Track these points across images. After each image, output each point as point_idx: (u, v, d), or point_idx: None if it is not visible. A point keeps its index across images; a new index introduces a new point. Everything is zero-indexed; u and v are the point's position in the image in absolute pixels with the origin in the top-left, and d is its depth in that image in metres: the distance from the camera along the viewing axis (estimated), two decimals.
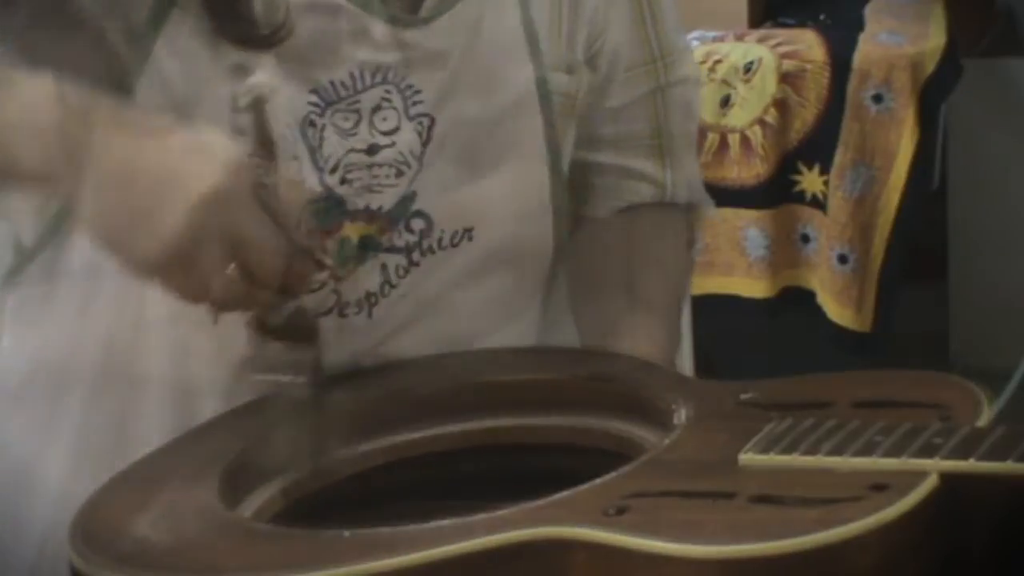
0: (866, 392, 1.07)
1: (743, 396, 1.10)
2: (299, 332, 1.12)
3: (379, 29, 1.20)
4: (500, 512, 0.98)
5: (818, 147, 3.05)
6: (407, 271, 1.25)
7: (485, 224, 1.26)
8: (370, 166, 1.21)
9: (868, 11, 3.19)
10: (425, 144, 1.23)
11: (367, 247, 1.23)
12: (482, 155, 1.26)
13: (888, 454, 0.95)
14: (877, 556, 0.89)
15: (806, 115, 3.05)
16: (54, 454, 1.23)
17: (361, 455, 1.18)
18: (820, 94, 3.04)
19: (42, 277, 1.22)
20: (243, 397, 1.17)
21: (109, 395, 1.22)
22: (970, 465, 0.93)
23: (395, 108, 1.22)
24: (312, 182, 1.20)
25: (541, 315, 1.33)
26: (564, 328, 1.35)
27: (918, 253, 3.16)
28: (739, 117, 3.04)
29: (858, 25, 3.12)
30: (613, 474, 1.01)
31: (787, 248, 3.10)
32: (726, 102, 3.06)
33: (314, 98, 1.19)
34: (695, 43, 3.12)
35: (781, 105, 3.04)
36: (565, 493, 0.99)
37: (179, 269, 1.05)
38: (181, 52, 1.16)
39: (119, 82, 1.15)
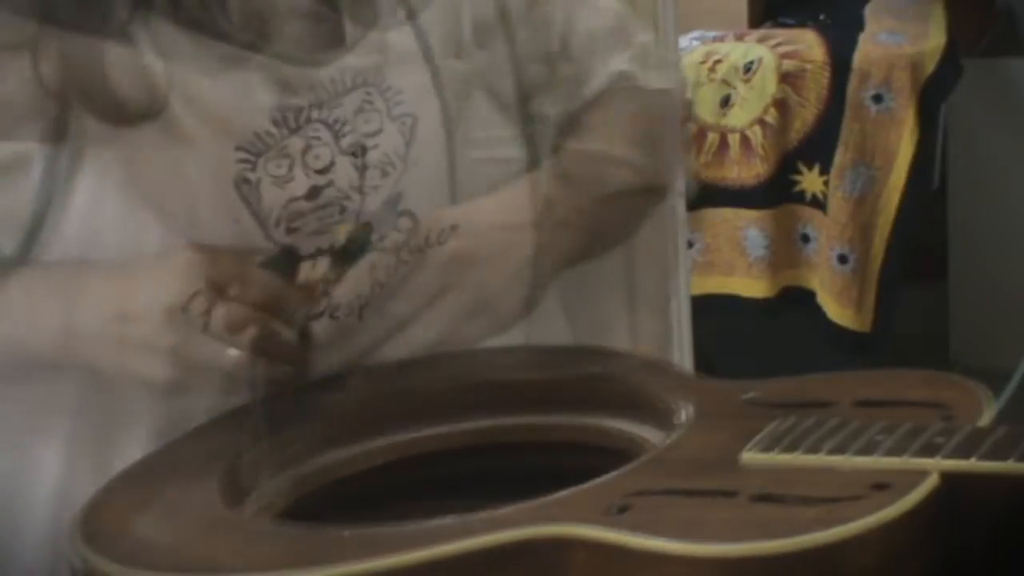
0: (868, 391, 1.07)
1: (746, 395, 1.10)
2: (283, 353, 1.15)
3: (289, 72, 1.20)
4: (501, 511, 0.98)
5: (818, 147, 3.05)
6: (396, 271, 1.25)
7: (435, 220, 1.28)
8: (314, 210, 1.21)
9: (868, 11, 3.19)
10: (362, 174, 1.23)
11: (329, 287, 1.23)
12: (418, 165, 1.27)
13: (889, 453, 0.95)
14: (878, 555, 0.89)
15: (806, 115, 3.05)
16: (45, 454, 1.23)
17: (362, 454, 1.18)
18: (820, 94, 3.04)
19: None
20: (234, 393, 1.18)
21: (98, 395, 1.22)
22: (971, 465, 0.93)
23: (326, 144, 1.22)
24: (257, 239, 1.20)
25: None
26: (551, 323, 1.35)
27: (918, 253, 3.16)
28: (739, 117, 3.05)
29: (858, 25, 3.13)
30: (614, 473, 1.01)
31: (787, 248, 3.10)
32: (726, 102, 3.06)
33: (242, 153, 1.19)
34: (695, 43, 3.13)
35: (781, 105, 3.05)
36: (566, 492, 0.99)
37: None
38: (163, 47, 1.18)
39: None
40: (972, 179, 3.45)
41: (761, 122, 3.05)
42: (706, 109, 3.04)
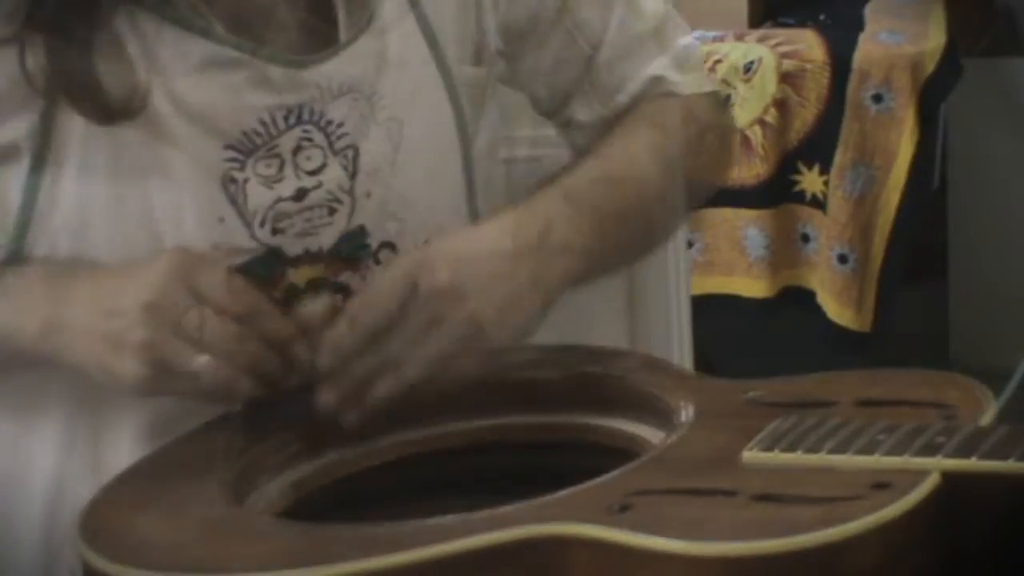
0: (870, 391, 1.07)
1: (746, 395, 1.10)
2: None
3: (275, 73, 1.19)
4: (503, 509, 0.98)
5: (818, 147, 3.05)
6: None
7: (435, 231, 1.27)
8: (301, 211, 1.21)
9: (868, 11, 3.19)
10: (353, 176, 1.23)
11: (316, 290, 1.23)
12: (415, 164, 1.26)
13: (890, 453, 0.95)
14: (879, 555, 0.90)
15: (806, 115, 3.05)
16: (38, 454, 1.23)
17: (366, 452, 1.18)
18: (820, 94, 3.04)
19: None
20: (209, 401, 1.17)
21: (89, 394, 1.22)
22: (972, 464, 0.93)
23: (319, 146, 1.22)
24: (242, 239, 1.20)
25: None
26: (551, 322, 1.35)
27: (918, 253, 3.16)
28: (739, 117, 3.05)
29: (858, 25, 3.13)
30: (615, 472, 1.02)
31: (787, 248, 3.10)
32: (726, 102, 3.06)
33: (231, 152, 1.19)
34: (695, 43, 3.12)
35: (781, 105, 3.05)
36: (567, 491, 0.99)
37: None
38: (148, 45, 1.18)
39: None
40: (972, 179, 3.45)
41: (761, 122, 3.06)
42: None
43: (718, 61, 3.08)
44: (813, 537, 0.89)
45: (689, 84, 1.37)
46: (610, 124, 1.35)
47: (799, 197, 3.08)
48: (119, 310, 1.13)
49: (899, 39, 3.07)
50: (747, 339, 3.13)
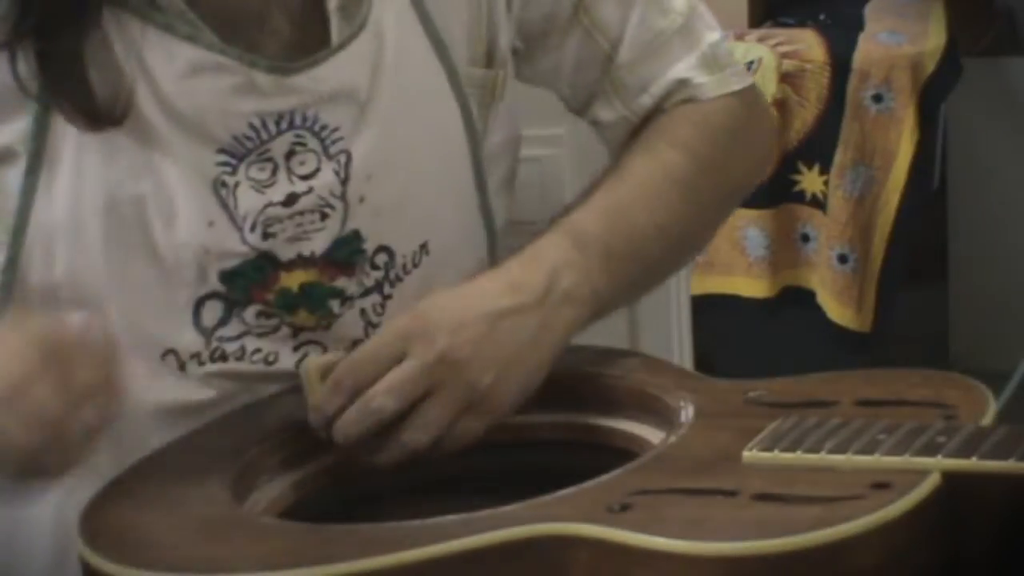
0: (869, 391, 1.07)
1: (747, 395, 1.10)
2: None
3: (262, 79, 1.19)
4: (504, 508, 0.98)
5: (818, 147, 3.05)
6: (383, 307, 1.25)
7: (434, 232, 1.27)
8: (292, 216, 1.21)
9: (868, 11, 3.19)
10: (345, 182, 1.22)
11: (311, 294, 1.23)
12: (413, 166, 1.25)
13: (891, 452, 0.95)
14: (879, 554, 0.90)
15: (806, 115, 3.05)
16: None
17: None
18: (820, 94, 3.04)
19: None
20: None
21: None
22: (972, 464, 0.93)
23: (313, 150, 1.21)
24: (232, 243, 1.20)
25: None
26: None
27: (918, 253, 3.16)
28: None
29: (858, 25, 3.13)
30: (617, 471, 1.02)
31: (787, 248, 3.10)
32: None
33: (223, 157, 1.19)
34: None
35: (781, 105, 3.05)
36: (568, 491, 1.00)
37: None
38: (135, 51, 1.18)
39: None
40: (972, 179, 3.45)
41: None
42: None
43: None
44: (813, 537, 0.89)
45: (715, 85, 1.33)
46: (635, 126, 1.33)
47: (799, 197, 3.08)
48: None
49: (899, 39, 3.07)
50: (747, 339, 3.13)
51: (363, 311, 1.24)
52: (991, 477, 0.92)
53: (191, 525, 1.04)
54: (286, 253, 1.21)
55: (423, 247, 1.26)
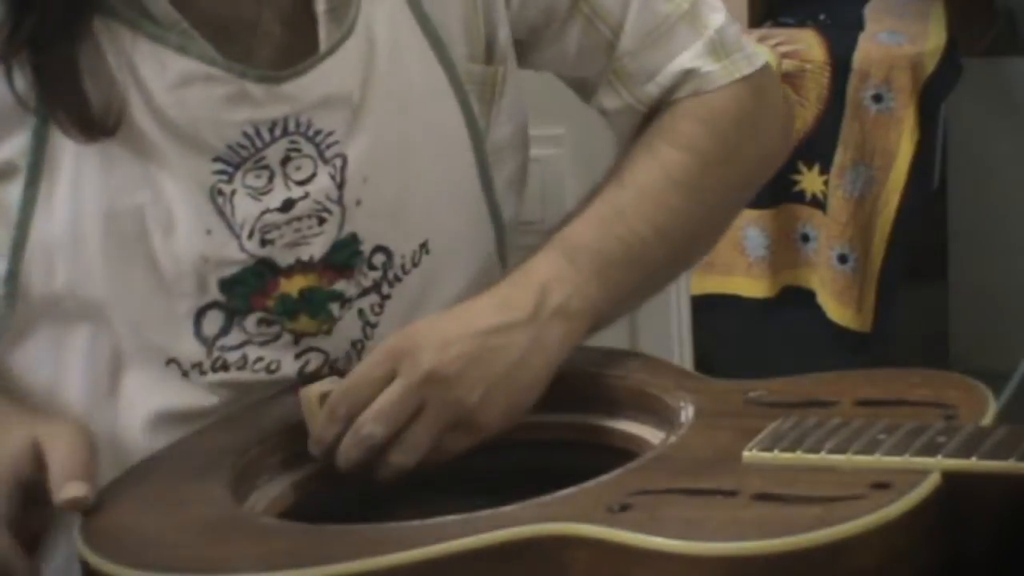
0: (869, 391, 1.07)
1: (747, 395, 1.10)
2: None
3: (253, 89, 1.19)
4: (504, 508, 0.98)
5: (818, 147, 3.05)
6: (382, 307, 1.25)
7: (434, 230, 1.26)
8: (289, 221, 1.21)
9: (868, 11, 3.19)
10: (341, 186, 1.22)
11: (311, 299, 1.22)
12: (411, 167, 1.25)
13: (891, 452, 0.95)
14: (879, 554, 0.90)
15: (806, 115, 3.05)
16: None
17: None
18: (820, 94, 3.04)
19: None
20: None
21: (101, 396, 1.23)
22: (972, 464, 0.93)
23: (308, 156, 1.21)
24: (231, 251, 1.20)
25: None
26: None
27: (918, 253, 3.16)
28: None
29: (858, 25, 3.12)
30: (616, 472, 1.02)
31: (787, 248, 3.10)
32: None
33: (219, 165, 1.19)
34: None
35: None
36: (568, 491, 1.00)
37: None
38: (127, 61, 1.18)
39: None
40: (972, 179, 3.44)
41: None
42: None
43: None
44: (813, 537, 0.89)
45: (724, 72, 1.30)
46: (642, 116, 1.31)
47: (799, 197, 3.08)
48: None
49: (899, 39, 3.07)
50: (747, 339, 3.13)
51: (361, 311, 1.24)
52: (991, 477, 0.92)
53: (191, 525, 1.04)
54: (285, 259, 1.21)
55: (423, 246, 1.26)
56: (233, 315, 1.21)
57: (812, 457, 0.98)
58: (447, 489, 1.15)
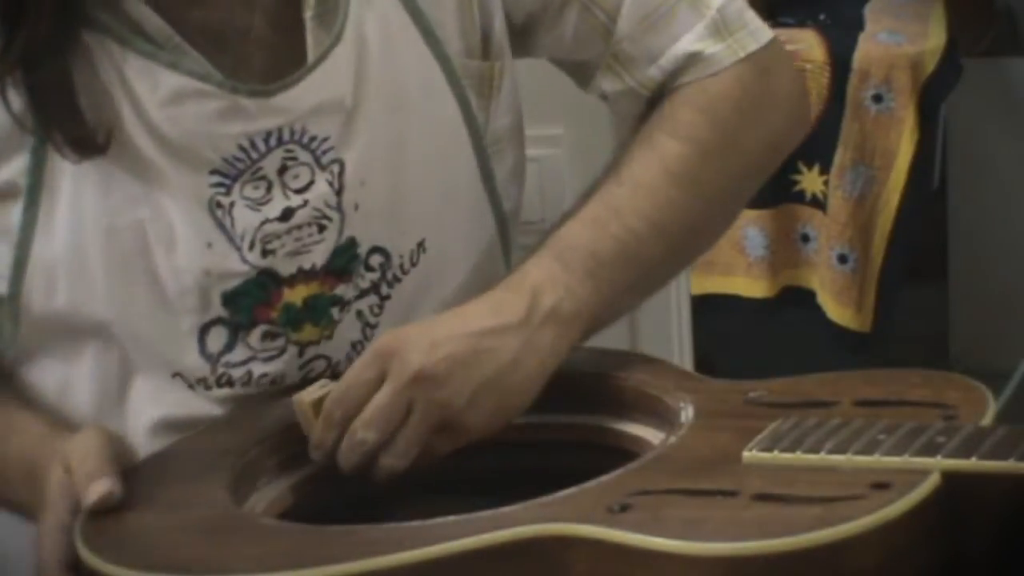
0: (869, 391, 1.07)
1: (747, 395, 1.10)
2: None
3: (244, 103, 1.19)
4: (504, 509, 0.98)
5: (818, 147, 3.05)
6: (381, 307, 1.25)
7: (432, 229, 1.26)
8: (289, 230, 1.20)
9: (868, 11, 3.19)
10: (339, 192, 1.21)
11: (314, 306, 1.22)
12: (408, 166, 1.25)
13: (890, 453, 0.95)
14: (879, 554, 0.90)
15: None
16: None
17: None
18: (820, 94, 3.04)
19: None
20: None
21: (109, 402, 1.23)
22: (972, 464, 0.93)
23: (305, 163, 1.20)
24: (232, 263, 1.20)
25: None
26: None
27: (918, 253, 3.16)
28: None
29: (858, 25, 3.13)
30: (616, 472, 1.02)
31: (787, 248, 3.10)
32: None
33: (216, 178, 1.19)
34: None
35: None
36: (569, 490, 1.00)
37: None
38: (121, 78, 1.18)
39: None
40: (972, 179, 3.44)
41: None
42: None
43: None
44: (813, 537, 0.89)
45: (728, 52, 1.28)
46: (646, 101, 1.30)
47: (799, 197, 3.08)
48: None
49: (899, 39, 3.07)
50: (747, 339, 3.13)
51: (360, 313, 1.24)
52: (991, 477, 0.92)
53: (191, 526, 1.04)
54: (287, 268, 1.21)
55: (420, 245, 1.25)
56: (237, 331, 1.21)
57: (812, 457, 0.98)
58: (447, 489, 1.15)
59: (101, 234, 1.18)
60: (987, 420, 1.01)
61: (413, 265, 1.25)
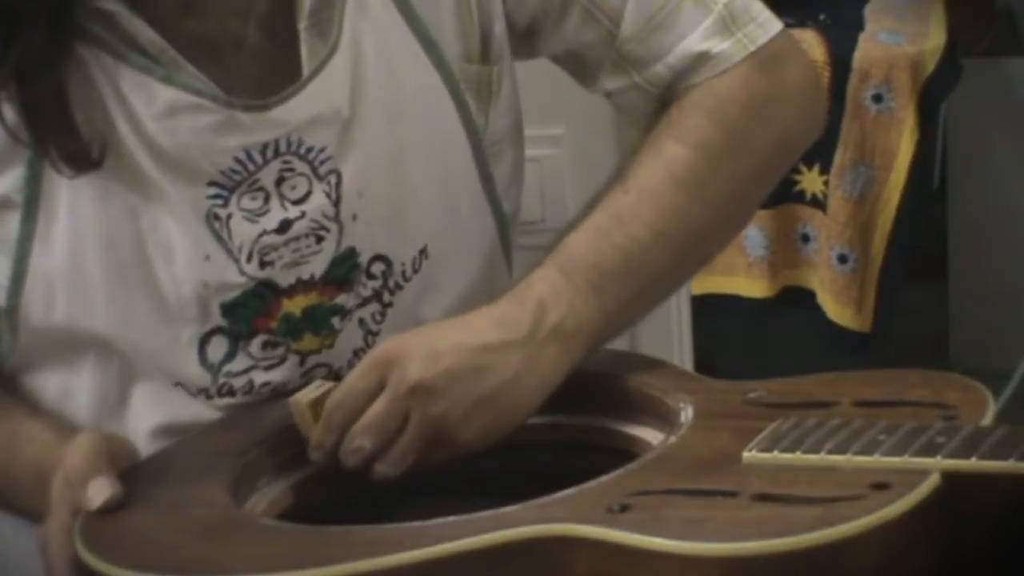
0: (869, 391, 1.07)
1: (746, 395, 1.10)
2: None
3: (240, 116, 1.18)
4: (504, 509, 0.98)
5: (818, 147, 3.01)
6: (383, 315, 1.25)
7: (434, 235, 1.26)
8: (287, 242, 1.20)
9: (868, 11, 3.19)
10: (337, 203, 1.21)
11: (314, 316, 1.22)
12: (407, 174, 1.24)
13: (890, 453, 0.95)
14: (878, 555, 0.90)
15: None
16: None
17: None
18: None
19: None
20: None
21: (110, 405, 1.23)
22: (972, 464, 0.93)
23: (302, 174, 1.20)
24: (231, 275, 1.20)
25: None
26: None
27: (918, 253, 3.15)
28: None
29: (858, 25, 3.12)
30: (616, 473, 1.02)
31: (787, 248, 3.10)
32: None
33: (213, 190, 1.19)
34: None
35: None
36: (569, 491, 1.00)
37: None
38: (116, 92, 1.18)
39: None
40: (972, 179, 3.44)
41: None
42: None
43: None
44: (813, 537, 0.89)
45: (737, 47, 1.26)
46: (656, 99, 1.30)
47: (799, 197, 3.08)
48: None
49: (899, 39, 3.07)
50: (747, 339, 3.13)
51: (362, 320, 1.24)
52: (991, 477, 0.92)
53: (191, 526, 1.04)
54: (285, 279, 1.21)
55: (422, 252, 1.25)
56: (237, 340, 1.21)
57: (812, 457, 0.98)
58: (447, 490, 1.15)
59: (100, 245, 1.18)
60: (987, 420, 1.01)
61: (415, 272, 1.25)
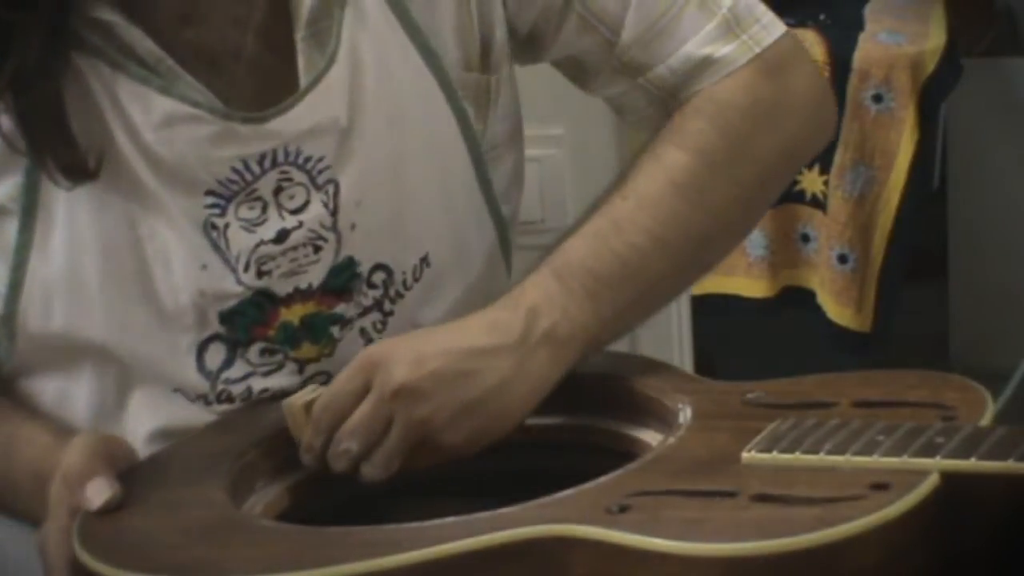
0: (868, 392, 1.07)
1: (746, 396, 1.10)
2: None
3: (238, 128, 1.18)
4: (504, 510, 0.98)
5: None
6: (384, 324, 1.25)
7: (434, 243, 1.26)
8: (284, 252, 1.20)
9: (868, 11, 3.19)
10: (334, 213, 1.21)
11: (312, 325, 1.22)
12: (406, 182, 1.24)
13: (889, 453, 0.95)
14: (878, 555, 0.90)
15: None
16: None
17: None
18: None
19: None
20: None
21: (108, 408, 1.23)
22: (971, 464, 0.93)
23: (300, 184, 1.20)
24: (228, 284, 1.19)
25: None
26: None
27: (918, 253, 3.15)
28: None
29: (858, 25, 3.12)
30: (615, 473, 1.02)
31: (787, 248, 3.09)
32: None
33: (211, 199, 1.19)
34: None
35: None
36: (568, 491, 1.00)
37: None
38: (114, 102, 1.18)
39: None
40: (972, 179, 3.44)
41: None
42: None
43: None
44: (812, 537, 0.89)
45: (742, 50, 1.25)
46: (660, 101, 1.29)
47: (799, 197, 3.07)
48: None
49: (899, 39, 3.07)
50: (747, 339, 3.13)
51: (363, 330, 1.24)
52: (990, 477, 0.92)
53: (189, 528, 1.04)
54: (283, 288, 1.21)
55: (423, 260, 1.25)
56: (236, 347, 1.21)
57: (811, 458, 0.98)
58: (446, 491, 1.15)
59: (98, 253, 1.18)
60: (986, 420, 1.01)
61: (416, 280, 1.25)
